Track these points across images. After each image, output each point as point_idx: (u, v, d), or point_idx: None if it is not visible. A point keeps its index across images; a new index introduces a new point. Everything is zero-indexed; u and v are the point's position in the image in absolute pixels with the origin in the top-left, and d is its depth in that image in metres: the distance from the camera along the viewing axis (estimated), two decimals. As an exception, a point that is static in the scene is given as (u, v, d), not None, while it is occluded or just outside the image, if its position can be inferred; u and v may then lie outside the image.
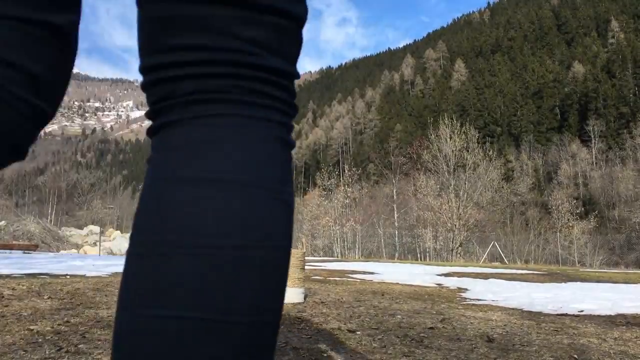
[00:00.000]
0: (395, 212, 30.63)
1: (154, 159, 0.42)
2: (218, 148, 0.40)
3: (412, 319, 2.47)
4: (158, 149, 0.42)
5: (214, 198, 0.38)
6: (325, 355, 1.62)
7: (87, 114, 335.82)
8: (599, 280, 7.09)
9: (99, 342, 1.69)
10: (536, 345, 1.92)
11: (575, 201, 40.10)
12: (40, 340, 1.70)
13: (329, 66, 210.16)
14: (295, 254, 2.88)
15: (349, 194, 30.77)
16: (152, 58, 0.43)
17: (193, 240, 0.37)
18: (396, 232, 28.60)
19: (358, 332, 2.04)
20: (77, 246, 20.50)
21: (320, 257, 23.74)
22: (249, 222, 0.39)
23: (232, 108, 0.41)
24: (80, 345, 1.63)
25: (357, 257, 26.63)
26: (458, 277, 6.83)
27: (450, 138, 26.61)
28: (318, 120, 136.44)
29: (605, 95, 72.63)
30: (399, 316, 2.54)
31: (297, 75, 0.46)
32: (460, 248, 25.43)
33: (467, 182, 26.05)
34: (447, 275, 7.18)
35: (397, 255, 26.54)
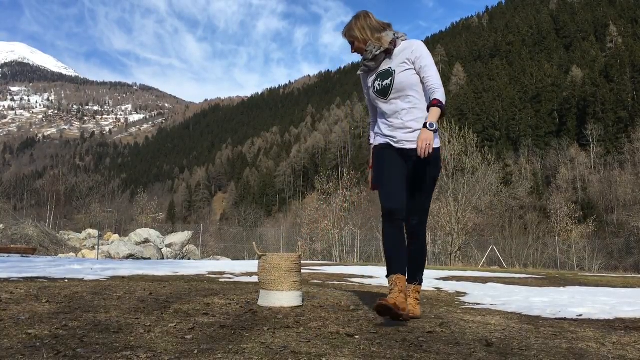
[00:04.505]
0: (394, 216, 30.54)
1: None
2: None
3: (411, 323, 2.46)
4: None
5: None
6: (324, 359, 1.61)
7: (85, 118, 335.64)
8: (597, 284, 7.09)
9: (97, 346, 1.69)
10: (535, 349, 1.92)
11: (573, 205, 40.18)
12: (38, 344, 1.70)
13: (328, 70, 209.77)
14: (291, 258, 2.88)
15: (347, 198, 30.76)
16: None
17: None
18: (395, 236, 28.51)
19: (357, 337, 2.04)
20: (75, 250, 20.44)
21: (319, 260, 23.71)
22: None
23: None
24: (78, 350, 1.63)
25: (355, 261, 26.60)
26: (457, 281, 6.82)
27: (449, 142, 26.63)
28: (317, 124, 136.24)
29: (603, 99, 72.78)
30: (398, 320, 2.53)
31: None
32: (458, 252, 25.42)
33: (465, 186, 26.07)
34: (445, 279, 7.18)
35: (395, 259, 26.46)
